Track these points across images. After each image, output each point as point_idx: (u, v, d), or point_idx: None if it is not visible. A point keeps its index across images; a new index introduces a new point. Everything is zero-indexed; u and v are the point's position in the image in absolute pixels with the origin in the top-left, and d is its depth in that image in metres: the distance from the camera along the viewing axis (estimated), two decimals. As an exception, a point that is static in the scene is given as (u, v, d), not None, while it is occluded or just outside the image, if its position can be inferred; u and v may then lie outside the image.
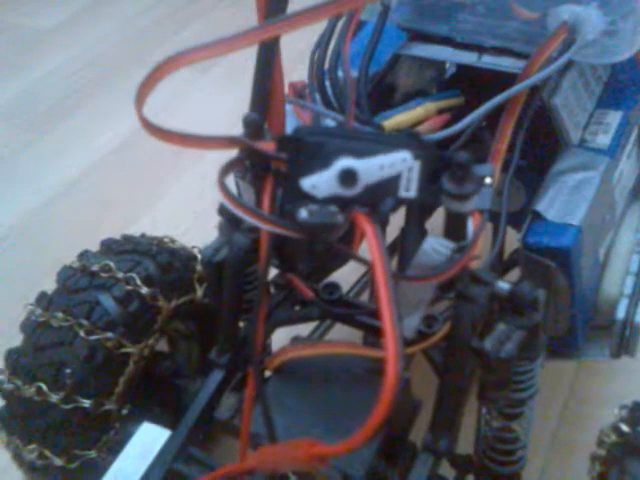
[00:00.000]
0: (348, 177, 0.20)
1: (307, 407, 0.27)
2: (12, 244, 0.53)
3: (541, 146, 0.31)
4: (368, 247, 0.21)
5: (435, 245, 0.22)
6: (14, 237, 0.54)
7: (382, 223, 0.21)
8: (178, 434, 0.28)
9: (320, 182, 0.20)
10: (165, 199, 0.56)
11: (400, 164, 0.20)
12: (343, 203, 0.20)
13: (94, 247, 0.35)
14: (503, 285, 0.24)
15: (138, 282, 0.31)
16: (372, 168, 0.20)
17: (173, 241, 0.35)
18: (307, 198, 0.21)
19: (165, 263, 0.33)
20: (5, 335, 0.36)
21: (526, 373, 0.25)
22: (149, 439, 0.27)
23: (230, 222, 0.28)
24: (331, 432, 0.26)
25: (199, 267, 0.34)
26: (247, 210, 0.21)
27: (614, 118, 0.32)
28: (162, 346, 0.35)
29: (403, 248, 0.31)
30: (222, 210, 0.28)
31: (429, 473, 0.25)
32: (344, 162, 0.20)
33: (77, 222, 0.54)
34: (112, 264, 0.32)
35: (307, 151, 0.21)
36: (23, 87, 0.71)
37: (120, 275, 0.31)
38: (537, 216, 0.29)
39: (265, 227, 0.22)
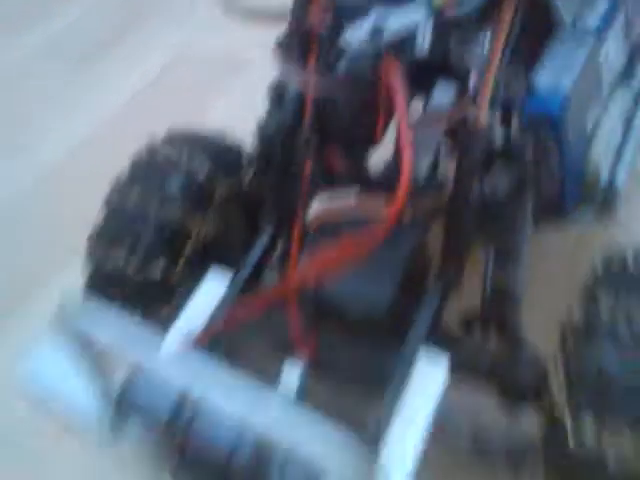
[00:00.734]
0: (377, 33, 0.26)
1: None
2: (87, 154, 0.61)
3: (537, 29, 0.35)
4: (393, 93, 0.26)
5: (443, 91, 0.28)
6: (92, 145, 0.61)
7: (405, 77, 0.27)
8: (234, 284, 0.33)
9: (354, 38, 0.26)
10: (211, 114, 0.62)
11: (417, 22, 0.26)
12: (373, 58, 0.26)
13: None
14: (498, 132, 0.29)
15: (199, 169, 0.37)
16: (396, 25, 0.26)
17: (224, 138, 0.41)
18: (343, 56, 0.27)
19: (219, 155, 0.39)
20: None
21: (517, 214, 0.30)
22: (216, 282, 0.33)
23: (279, 97, 0.33)
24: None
25: (245, 161, 0.40)
26: (299, 70, 0.27)
27: (603, 3, 0.36)
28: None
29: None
30: (273, 87, 0.34)
31: (440, 299, 0.31)
32: (373, 20, 0.26)
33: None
34: (175, 153, 0.38)
35: (345, 12, 0.26)
36: (67, 22, 0.76)
37: (183, 162, 0.37)
38: (532, 88, 0.33)
39: (313, 84, 0.27)
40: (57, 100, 0.67)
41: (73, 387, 0.30)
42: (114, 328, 0.28)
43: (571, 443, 0.26)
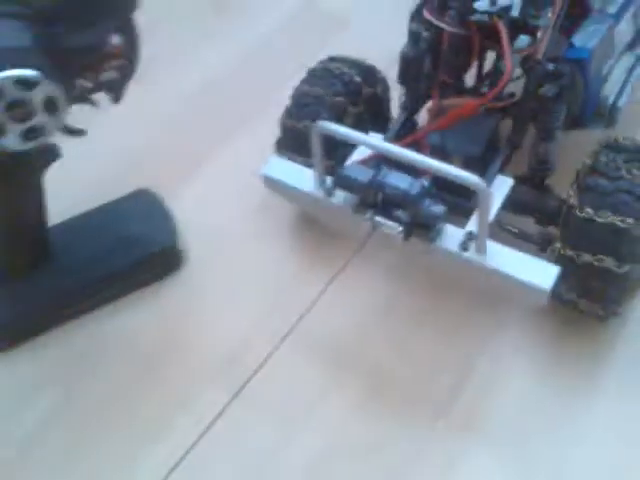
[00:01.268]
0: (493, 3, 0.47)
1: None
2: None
3: (576, 13, 0.57)
4: (499, 32, 0.48)
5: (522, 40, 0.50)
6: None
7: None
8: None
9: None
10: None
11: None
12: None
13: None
14: (550, 65, 0.50)
15: (354, 77, 0.59)
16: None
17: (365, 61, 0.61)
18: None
19: (364, 70, 0.60)
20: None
21: (558, 111, 0.52)
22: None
23: (416, 34, 0.54)
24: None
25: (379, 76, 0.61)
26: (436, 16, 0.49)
27: (622, -4, 0.58)
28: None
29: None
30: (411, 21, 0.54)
31: (508, 156, 0.53)
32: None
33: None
34: (338, 66, 0.59)
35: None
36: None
37: (344, 72, 0.59)
38: (571, 45, 0.55)
39: (448, 28, 0.49)
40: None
41: (299, 178, 0.52)
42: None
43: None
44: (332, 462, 0.50)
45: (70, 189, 0.57)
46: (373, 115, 0.59)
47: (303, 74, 0.60)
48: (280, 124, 0.58)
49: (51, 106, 0.45)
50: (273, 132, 0.60)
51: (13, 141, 0.45)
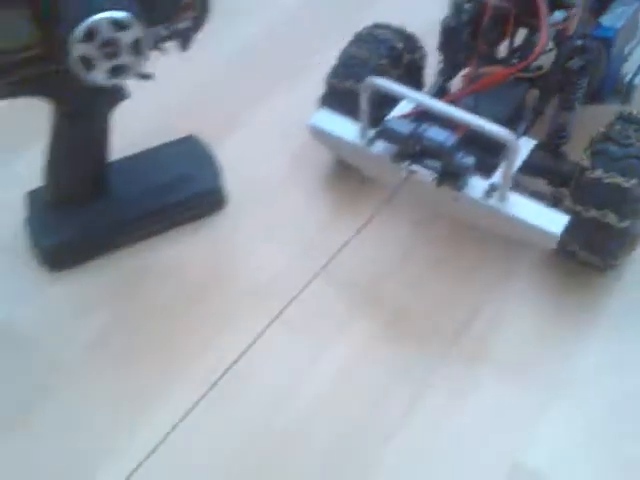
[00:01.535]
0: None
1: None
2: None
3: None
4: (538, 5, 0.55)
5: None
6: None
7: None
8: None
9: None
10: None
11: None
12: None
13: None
14: (579, 41, 0.57)
15: (397, 43, 0.65)
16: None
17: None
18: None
19: (405, 37, 0.66)
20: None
21: (580, 83, 0.58)
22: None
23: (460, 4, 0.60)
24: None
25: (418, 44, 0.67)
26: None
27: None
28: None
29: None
30: None
31: (531, 121, 0.60)
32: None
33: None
34: (382, 33, 0.65)
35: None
36: None
37: (388, 38, 0.65)
38: (599, 25, 0.61)
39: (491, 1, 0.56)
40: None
41: (344, 129, 0.59)
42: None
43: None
44: (354, 379, 0.57)
45: (126, 131, 0.63)
46: (409, 80, 0.65)
47: (344, 39, 0.66)
48: (326, 82, 0.65)
49: (136, 48, 0.51)
50: (309, 90, 0.67)
51: (100, 76, 0.51)
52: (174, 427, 0.49)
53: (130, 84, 0.56)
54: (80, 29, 0.47)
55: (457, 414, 0.55)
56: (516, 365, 0.58)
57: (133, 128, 0.68)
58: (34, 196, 0.65)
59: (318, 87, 0.67)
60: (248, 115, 0.76)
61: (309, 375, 0.57)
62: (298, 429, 0.54)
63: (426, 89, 0.65)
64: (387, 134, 0.55)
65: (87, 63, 0.49)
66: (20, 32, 0.49)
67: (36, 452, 0.53)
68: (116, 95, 0.57)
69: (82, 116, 0.57)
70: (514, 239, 0.59)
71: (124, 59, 0.51)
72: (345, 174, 0.70)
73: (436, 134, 0.53)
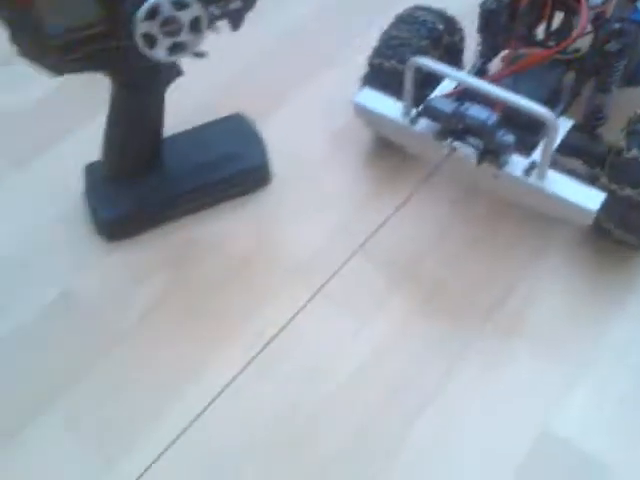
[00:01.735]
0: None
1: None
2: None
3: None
4: None
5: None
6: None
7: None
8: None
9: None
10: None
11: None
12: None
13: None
14: (617, 24, 0.58)
15: (437, 25, 0.67)
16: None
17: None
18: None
19: (445, 19, 0.68)
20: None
21: (617, 65, 0.60)
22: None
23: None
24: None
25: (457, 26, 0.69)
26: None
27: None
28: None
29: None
30: None
31: (568, 102, 0.61)
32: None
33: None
34: (423, 14, 0.67)
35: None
36: None
37: (428, 20, 0.67)
38: (636, 9, 0.62)
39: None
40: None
41: (387, 107, 0.62)
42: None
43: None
44: (392, 352, 0.60)
45: (177, 108, 0.65)
46: (449, 62, 0.67)
47: (385, 21, 0.69)
48: (368, 62, 0.67)
49: (195, 26, 0.53)
50: (352, 70, 0.70)
51: (161, 53, 0.54)
52: (219, 394, 0.52)
53: (182, 62, 0.59)
54: (144, 8, 0.51)
55: (490, 385, 0.58)
56: (548, 340, 0.60)
57: (184, 105, 0.71)
58: (92, 169, 0.68)
59: (360, 68, 0.69)
60: (293, 94, 0.78)
61: (347, 349, 0.60)
62: (335, 400, 0.57)
63: (465, 71, 0.67)
64: (430, 112, 0.58)
65: (149, 40, 0.52)
66: (85, 11, 0.52)
67: (91, 413, 0.57)
68: (172, 72, 0.60)
69: (140, 91, 0.60)
70: (551, 216, 0.61)
71: (183, 37, 0.54)
72: (385, 153, 0.72)
73: (478, 112, 0.55)
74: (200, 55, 0.58)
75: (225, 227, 0.68)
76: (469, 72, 0.65)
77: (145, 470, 0.49)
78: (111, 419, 0.56)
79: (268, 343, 0.56)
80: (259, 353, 0.56)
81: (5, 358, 0.60)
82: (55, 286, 0.64)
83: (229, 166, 0.69)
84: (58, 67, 0.54)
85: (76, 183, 0.69)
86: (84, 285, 0.64)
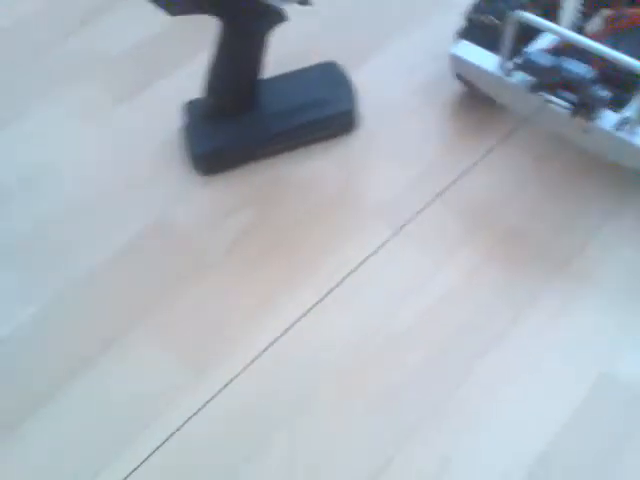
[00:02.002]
0: None
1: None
2: None
3: None
4: None
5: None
6: None
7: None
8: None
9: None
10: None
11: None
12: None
13: None
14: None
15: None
16: None
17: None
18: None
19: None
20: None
21: None
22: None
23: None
24: None
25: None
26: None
27: None
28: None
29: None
30: None
31: None
32: None
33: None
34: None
35: None
36: None
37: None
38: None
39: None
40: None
41: (484, 59, 0.64)
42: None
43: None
44: (463, 295, 0.62)
45: (275, 53, 0.69)
46: (547, 19, 0.67)
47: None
48: (465, 17, 0.68)
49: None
50: (442, 25, 0.72)
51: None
52: (298, 319, 0.56)
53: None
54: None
55: (553, 333, 0.59)
56: (620, 292, 0.61)
57: (281, 50, 0.74)
58: (190, 107, 0.72)
59: (452, 24, 0.71)
60: (386, 44, 0.81)
61: (421, 288, 0.63)
62: (404, 334, 0.60)
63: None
64: (528, 65, 0.59)
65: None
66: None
67: (174, 328, 0.62)
68: (277, 17, 0.64)
69: (245, 34, 0.64)
70: (639, 171, 0.62)
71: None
72: (471, 106, 0.74)
73: (577, 67, 0.57)
74: (305, 3, 0.61)
75: (313, 168, 0.72)
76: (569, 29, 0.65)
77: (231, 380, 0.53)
78: (196, 335, 0.61)
79: (347, 276, 0.59)
80: (338, 285, 0.59)
81: (108, 274, 0.65)
82: (152, 215, 0.68)
83: (320, 110, 0.72)
84: (171, 8, 0.58)
85: (174, 120, 0.73)
86: (178, 215, 0.69)
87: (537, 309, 0.61)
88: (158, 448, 0.52)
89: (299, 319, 0.57)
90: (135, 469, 0.52)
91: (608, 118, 0.59)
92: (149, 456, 0.50)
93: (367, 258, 0.61)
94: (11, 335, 0.61)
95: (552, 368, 0.58)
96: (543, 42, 0.64)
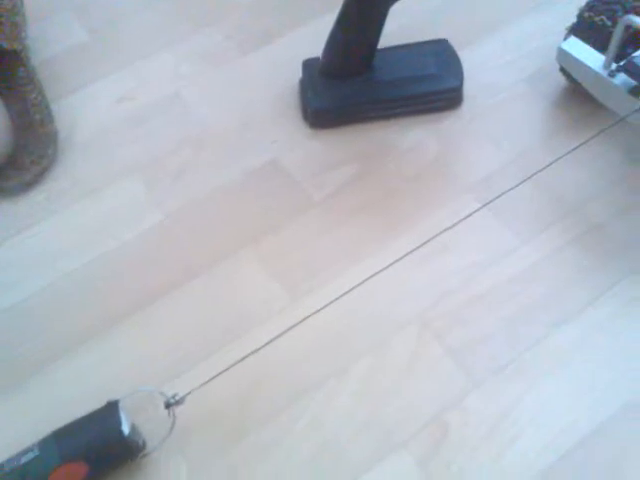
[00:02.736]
0: None
1: None
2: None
3: None
4: None
5: None
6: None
7: None
8: None
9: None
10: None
11: None
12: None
13: None
14: None
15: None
16: None
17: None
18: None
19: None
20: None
21: None
22: None
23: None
24: None
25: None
26: None
27: None
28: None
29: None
30: None
31: None
32: None
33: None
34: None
35: None
36: None
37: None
38: None
39: None
40: None
41: (590, 57, 0.67)
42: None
43: None
44: (542, 273, 0.66)
45: (394, 25, 0.74)
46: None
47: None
48: (578, 15, 0.72)
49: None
50: (554, 19, 0.77)
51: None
52: (377, 273, 0.61)
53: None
54: None
55: (620, 325, 0.63)
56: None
57: (401, 24, 0.79)
58: (309, 64, 0.78)
59: (566, 18, 0.74)
60: (499, 29, 0.85)
61: (502, 261, 0.67)
62: (478, 301, 0.65)
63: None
64: (632, 68, 0.63)
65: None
66: None
67: (277, 255, 0.69)
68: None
69: (371, 4, 0.69)
70: None
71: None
72: (574, 101, 0.78)
73: (678, 77, 0.60)
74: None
75: (414, 137, 0.77)
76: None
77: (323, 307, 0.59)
78: (293, 265, 0.68)
79: (432, 239, 0.64)
80: (421, 246, 0.64)
81: (214, 205, 0.73)
82: (264, 155, 0.76)
83: (429, 84, 0.77)
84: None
85: (294, 74, 0.79)
86: (288, 159, 0.75)
87: (612, 298, 0.65)
88: (245, 358, 0.58)
89: (383, 269, 0.62)
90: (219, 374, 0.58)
91: None
92: (234, 364, 0.56)
93: (453, 226, 0.66)
94: (136, 237, 0.69)
95: (617, 353, 0.61)
96: (652, 49, 0.67)
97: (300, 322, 0.57)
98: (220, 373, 0.56)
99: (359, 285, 0.60)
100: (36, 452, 0.47)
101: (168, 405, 0.52)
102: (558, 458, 0.56)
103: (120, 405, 0.51)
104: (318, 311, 0.58)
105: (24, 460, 0.47)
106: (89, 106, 0.82)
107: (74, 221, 0.72)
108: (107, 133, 0.80)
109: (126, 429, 0.50)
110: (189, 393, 0.55)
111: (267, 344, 0.56)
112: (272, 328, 0.59)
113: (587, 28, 0.71)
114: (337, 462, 0.57)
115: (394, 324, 0.64)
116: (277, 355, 0.61)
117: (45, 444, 0.48)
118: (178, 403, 0.52)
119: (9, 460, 0.48)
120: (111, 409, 0.51)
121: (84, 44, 0.89)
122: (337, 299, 0.60)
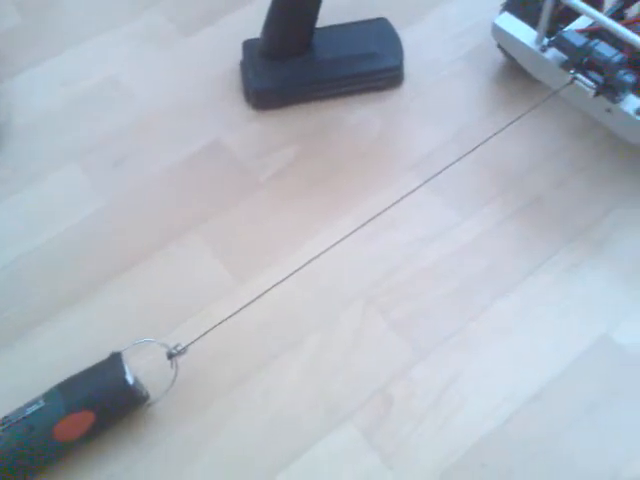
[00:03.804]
0: None
1: None
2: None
3: None
4: None
5: None
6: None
7: None
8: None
9: None
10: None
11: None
12: None
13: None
14: None
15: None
16: None
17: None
18: None
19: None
20: None
21: None
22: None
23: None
24: None
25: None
26: None
27: None
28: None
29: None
30: None
31: None
32: None
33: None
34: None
35: None
36: None
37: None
38: None
39: None
40: None
41: (522, 33, 0.69)
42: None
43: None
44: (485, 246, 0.68)
45: (331, 4, 0.74)
46: (590, 2, 0.72)
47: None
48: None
49: None
50: None
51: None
52: (327, 249, 0.61)
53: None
54: None
55: (566, 288, 0.65)
56: (627, 265, 0.67)
57: (337, 3, 0.79)
58: (249, 44, 0.78)
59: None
60: (437, 7, 0.86)
61: (446, 235, 0.69)
62: (429, 271, 0.66)
63: (604, 12, 0.72)
64: (561, 43, 0.64)
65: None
66: None
67: (226, 237, 0.69)
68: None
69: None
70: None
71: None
72: (512, 75, 0.79)
73: (605, 50, 0.61)
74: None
75: (357, 116, 0.77)
76: (606, 13, 0.70)
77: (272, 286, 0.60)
78: (240, 245, 0.68)
79: (376, 216, 0.64)
80: (366, 223, 0.64)
81: (158, 189, 0.72)
82: (207, 137, 0.75)
83: (369, 63, 0.77)
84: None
85: (235, 55, 0.79)
86: (232, 140, 0.75)
87: (552, 266, 0.67)
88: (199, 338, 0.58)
89: (330, 247, 0.63)
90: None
91: (631, 102, 0.63)
92: (192, 342, 0.56)
93: (396, 203, 0.66)
94: (77, 225, 0.69)
95: (558, 320, 0.63)
96: (582, 23, 0.69)
97: (252, 302, 0.58)
98: (186, 347, 0.55)
99: (308, 263, 0.61)
100: (41, 404, 0.48)
101: (170, 356, 0.53)
102: (501, 424, 0.58)
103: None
104: (267, 291, 0.59)
105: (29, 411, 0.48)
106: (27, 91, 0.80)
107: (15, 209, 0.71)
108: (46, 118, 0.78)
109: (130, 379, 0.51)
110: (192, 343, 0.54)
111: (223, 321, 0.57)
112: (227, 306, 0.59)
113: (520, 4, 0.73)
114: (291, 431, 0.58)
115: (342, 300, 0.65)
116: (235, 330, 0.61)
117: (50, 396, 0.49)
118: (180, 353, 0.53)
119: (15, 412, 0.49)
120: (114, 360, 0.52)
121: (19, 26, 0.86)
122: (286, 278, 0.60)
